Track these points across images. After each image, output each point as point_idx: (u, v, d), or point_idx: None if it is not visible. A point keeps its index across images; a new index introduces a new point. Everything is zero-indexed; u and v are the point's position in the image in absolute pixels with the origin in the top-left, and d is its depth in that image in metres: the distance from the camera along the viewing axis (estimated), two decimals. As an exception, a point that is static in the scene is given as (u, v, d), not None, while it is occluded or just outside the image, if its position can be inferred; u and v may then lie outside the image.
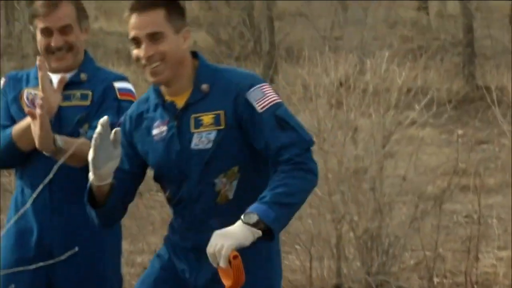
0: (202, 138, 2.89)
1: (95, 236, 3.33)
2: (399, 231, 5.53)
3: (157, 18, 2.86)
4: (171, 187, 2.97)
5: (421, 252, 5.63)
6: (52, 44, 3.30)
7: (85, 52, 3.44)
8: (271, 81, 10.05)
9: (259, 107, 2.86)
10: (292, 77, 9.27)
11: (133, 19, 2.88)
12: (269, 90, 2.90)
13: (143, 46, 2.86)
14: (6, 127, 3.36)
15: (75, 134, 3.30)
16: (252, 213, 2.73)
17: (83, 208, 3.05)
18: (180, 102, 2.92)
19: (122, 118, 3.06)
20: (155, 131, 2.95)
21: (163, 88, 2.95)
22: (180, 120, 2.91)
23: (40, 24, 3.32)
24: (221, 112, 2.88)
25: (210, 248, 2.72)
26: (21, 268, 3.13)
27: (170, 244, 3.04)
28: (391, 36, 10.98)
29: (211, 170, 2.89)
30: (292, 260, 5.71)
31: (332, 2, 12.66)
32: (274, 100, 2.88)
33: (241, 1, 13.21)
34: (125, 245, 3.72)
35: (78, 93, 3.34)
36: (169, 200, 3.01)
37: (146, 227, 6.30)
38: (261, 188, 2.87)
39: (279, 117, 2.86)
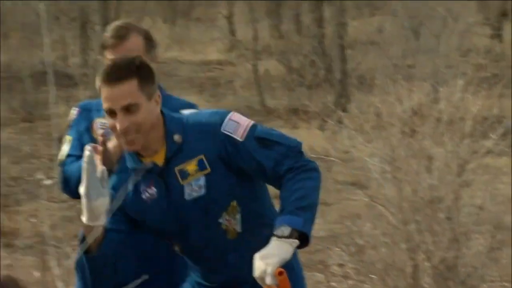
0: (193, 187, 2.90)
1: (169, 264, 3.35)
2: (476, 261, 5.44)
3: (130, 89, 2.82)
4: (178, 241, 2.99)
5: (499, 283, 5.54)
6: None
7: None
8: (344, 110, 10.02)
9: (238, 136, 2.88)
10: (365, 106, 9.25)
11: (106, 91, 2.84)
12: (238, 117, 2.92)
13: (118, 118, 2.83)
14: (79, 157, 3.40)
15: None
16: (282, 226, 2.75)
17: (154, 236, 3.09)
18: (159, 160, 2.91)
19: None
20: (145, 195, 2.94)
21: (139, 151, 2.92)
22: (166, 176, 2.91)
23: (109, 55, 3.37)
24: (202, 156, 2.89)
25: (256, 272, 2.73)
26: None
27: (195, 281, 3.08)
28: (464, 64, 10.86)
29: (212, 212, 2.91)
30: (366, 290, 5.67)
31: (404, 30, 12.61)
32: (248, 124, 2.90)
33: (312, 29, 13.24)
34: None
35: None
36: (181, 252, 3.03)
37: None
38: (264, 211, 2.96)
39: (260, 138, 2.89)
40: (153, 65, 3.41)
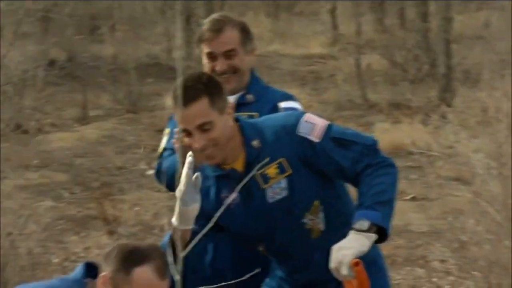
0: (275, 190, 2.93)
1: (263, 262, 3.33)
2: None
3: (201, 109, 2.85)
4: (263, 243, 3.01)
5: None
6: (217, 68, 3.34)
7: (252, 73, 3.45)
8: (448, 105, 9.87)
9: (314, 137, 2.89)
10: (470, 101, 9.07)
11: (179, 113, 2.87)
12: (313, 118, 2.93)
13: (194, 137, 2.86)
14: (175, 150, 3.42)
15: None
16: (361, 220, 2.78)
17: None
18: (239, 166, 2.94)
19: None
20: (227, 201, 2.96)
21: (219, 163, 2.95)
22: (247, 182, 2.93)
23: (205, 49, 3.37)
24: (282, 160, 2.91)
25: (332, 263, 2.76)
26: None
27: (279, 278, 3.10)
28: None
29: (295, 214, 2.93)
30: (468, 286, 5.57)
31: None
32: (323, 125, 2.91)
33: (416, 23, 13.07)
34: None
35: (245, 115, 3.34)
36: (266, 252, 3.05)
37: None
38: (345, 209, 2.97)
39: (336, 138, 2.90)
40: (250, 58, 3.40)
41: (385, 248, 3.20)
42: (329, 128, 2.92)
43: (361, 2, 15.08)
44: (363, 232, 2.77)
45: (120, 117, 11.52)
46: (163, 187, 3.52)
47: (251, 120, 3.02)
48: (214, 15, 3.47)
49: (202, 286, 3.14)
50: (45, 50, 11.73)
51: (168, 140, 3.47)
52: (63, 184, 8.65)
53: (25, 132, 10.31)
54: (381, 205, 2.81)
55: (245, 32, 3.39)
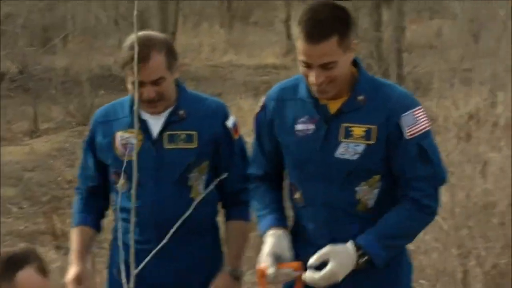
0: (349, 149, 2.85)
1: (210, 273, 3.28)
2: (530, 268, 5.30)
3: (330, 48, 2.78)
4: (304, 188, 2.92)
5: (553, 291, 5.37)
6: (144, 95, 3.13)
7: (179, 85, 3.28)
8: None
9: (408, 133, 2.84)
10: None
11: (304, 47, 2.79)
12: (421, 115, 2.86)
13: (313, 72, 2.80)
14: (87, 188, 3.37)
15: (183, 181, 3.20)
16: (367, 252, 2.80)
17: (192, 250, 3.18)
18: (333, 107, 2.88)
19: (263, 100, 3.02)
20: (299, 127, 2.91)
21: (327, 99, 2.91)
22: (328, 126, 2.87)
23: (130, 77, 3.14)
24: (374, 127, 2.85)
25: (331, 279, 2.79)
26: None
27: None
28: (524, 68, 10.64)
29: (353, 178, 2.87)
30: (416, 296, 5.56)
31: (463, 33, 12.42)
32: (423, 129, 2.85)
33: (369, 32, 13.11)
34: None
35: (182, 134, 3.22)
36: (298, 201, 2.96)
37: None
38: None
39: (423, 149, 2.83)
40: (175, 76, 3.20)
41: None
42: (424, 135, 2.85)
43: (315, 12, 15.12)
44: (359, 260, 2.79)
45: (71, 130, 11.39)
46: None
47: (373, 76, 2.93)
48: (136, 37, 3.08)
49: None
50: (-4, 62, 11.60)
51: (84, 179, 3.37)
52: (11, 199, 8.51)
53: (-26, 146, 10.17)
54: (391, 248, 2.82)
55: (170, 54, 3.18)
